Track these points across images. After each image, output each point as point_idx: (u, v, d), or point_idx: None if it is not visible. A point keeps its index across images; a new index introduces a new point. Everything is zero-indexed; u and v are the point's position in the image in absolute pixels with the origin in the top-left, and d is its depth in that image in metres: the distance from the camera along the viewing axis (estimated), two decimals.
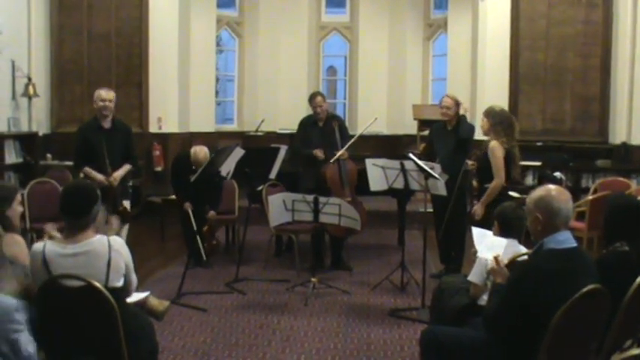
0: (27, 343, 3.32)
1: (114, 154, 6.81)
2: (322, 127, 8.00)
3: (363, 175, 7.24)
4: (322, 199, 6.62)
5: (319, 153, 7.88)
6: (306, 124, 8.12)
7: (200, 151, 7.67)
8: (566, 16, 10.94)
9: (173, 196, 9.30)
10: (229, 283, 7.13)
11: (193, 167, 7.52)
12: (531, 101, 11.02)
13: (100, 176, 6.70)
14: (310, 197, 6.65)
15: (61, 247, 3.67)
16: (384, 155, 7.46)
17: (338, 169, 7.71)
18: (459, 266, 7.26)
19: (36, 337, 3.46)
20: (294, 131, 12.30)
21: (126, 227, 6.96)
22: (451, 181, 6.80)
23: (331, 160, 7.65)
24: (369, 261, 8.23)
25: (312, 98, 8.15)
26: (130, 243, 6.34)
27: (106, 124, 6.79)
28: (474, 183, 6.77)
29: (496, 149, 6.39)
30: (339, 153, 7.62)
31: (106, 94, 6.86)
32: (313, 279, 6.88)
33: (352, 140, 7.84)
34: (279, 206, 6.73)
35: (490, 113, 6.56)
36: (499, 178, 6.39)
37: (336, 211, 6.63)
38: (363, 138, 8.32)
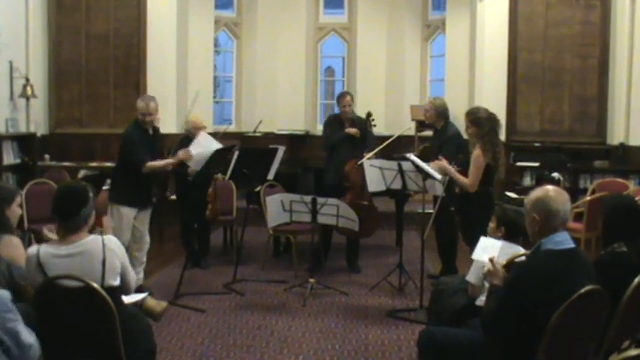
0: (27, 333, 3.33)
1: (156, 158, 6.81)
2: (349, 128, 7.94)
3: None
4: (320, 200, 6.62)
5: (352, 130, 7.84)
6: (333, 122, 8.10)
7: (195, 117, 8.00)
8: (564, 17, 10.93)
9: (172, 197, 9.33)
10: (227, 284, 7.13)
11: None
12: (529, 102, 11.01)
13: (165, 161, 6.81)
14: (308, 198, 6.66)
15: (56, 249, 3.67)
16: (382, 156, 7.48)
17: (362, 172, 7.68)
18: (453, 268, 7.27)
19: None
20: (293, 132, 12.46)
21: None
22: None
23: (358, 163, 7.62)
24: (367, 262, 8.22)
25: (342, 97, 8.03)
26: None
27: (149, 130, 6.80)
28: (456, 189, 6.67)
29: (479, 159, 6.26)
30: (367, 156, 7.59)
31: (153, 107, 6.71)
32: (311, 280, 6.88)
33: (383, 145, 7.82)
34: (277, 207, 6.73)
35: (477, 121, 6.35)
36: (471, 185, 6.29)
37: (334, 212, 6.63)
38: None
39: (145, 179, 6.72)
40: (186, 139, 7.75)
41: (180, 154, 6.77)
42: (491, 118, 6.39)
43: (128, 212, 6.58)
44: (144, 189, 6.78)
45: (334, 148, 7.94)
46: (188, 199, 7.76)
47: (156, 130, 6.91)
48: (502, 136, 6.66)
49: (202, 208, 7.75)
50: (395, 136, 8.12)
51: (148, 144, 6.71)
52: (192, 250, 7.80)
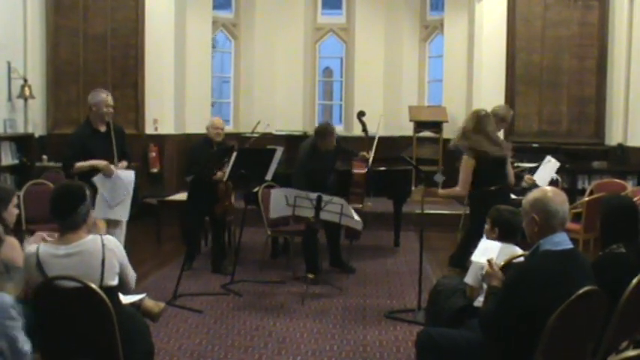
0: (24, 341, 3.33)
1: (113, 157, 6.63)
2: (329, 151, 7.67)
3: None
4: (326, 198, 6.60)
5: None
6: (311, 154, 7.53)
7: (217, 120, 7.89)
8: (562, 18, 10.96)
9: (169, 198, 9.31)
10: (225, 285, 7.12)
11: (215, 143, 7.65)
12: (527, 103, 11.03)
13: (101, 162, 6.52)
14: (313, 195, 6.62)
15: (55, 249, 3.66)
16: (385, 158, 7.54)
17: (367, 174, 7.69)
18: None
19: (32, 338, 3.46)
20: (291, 132, 12.46)
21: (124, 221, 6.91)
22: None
23: (369, 165, 7.72)
24: (365, 262, 8.21)
25: (327, 136, 7.47)
26: (126, 244, 6.41)
27: (102, 127, 6.69)
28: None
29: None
30: (371, 156, 7.63)
31: (111, 100, 6.66)
32: (310, 275, 6.88)
33: (375, 143, 7.95)
34: (281, 200, 6.71)
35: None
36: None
37: (337, 209, 6.60)
38: (360, 140, 8.35)
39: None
40: (206, 141, 7.77)
41: (103, 165, 6.54)
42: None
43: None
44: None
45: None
46: (196, 200, 7.66)
47: (113, 126, 6.71)
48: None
49: (210, 210, 7.67)
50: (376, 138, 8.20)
51: (99, 145, 6.53)
52: (193, 252, 7.74)
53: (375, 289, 7.15)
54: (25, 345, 3.34)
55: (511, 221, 4.49)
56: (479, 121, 6.24)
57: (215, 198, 7.63)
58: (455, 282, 4.80)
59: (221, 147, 7.64)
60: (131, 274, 3.97)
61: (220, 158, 7.04)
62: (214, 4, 12.88)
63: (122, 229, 6.74)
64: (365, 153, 7.86)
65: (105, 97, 6.60)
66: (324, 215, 6.68)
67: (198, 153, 7.82)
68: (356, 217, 6.72)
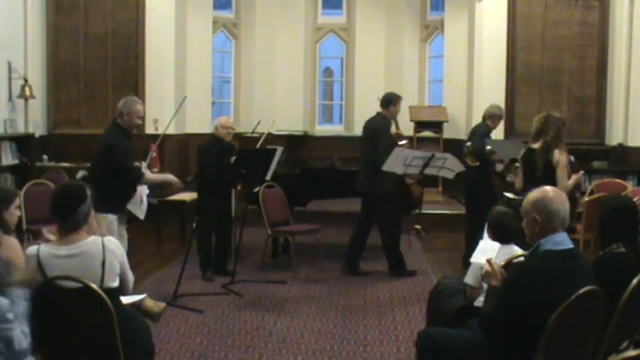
0: (20, 338, 3.34)
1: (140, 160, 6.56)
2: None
3: None
4: (438, 155, 7.43)
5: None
6: (388, 128, 7.75)
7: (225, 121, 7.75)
8: (562, 18, 10.95)
9: (170, 198, 9.28)
10: (225, 285, 7.12)
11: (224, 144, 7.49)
12: (528, 103, 11.01)
13: (173, 178, 6.62)
14: (428, 154, 7.39)
15: (56, 249, 3.67)
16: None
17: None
18: None
19: (32, 337, 3.47)
20: (292, 132, 12.46)
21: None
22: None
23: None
24: (365, 263, 8.18)
25: (399, 98, 7.85)
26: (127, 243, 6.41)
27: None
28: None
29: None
30: (401, 130, 8.15)
31: (142, 110, 6.53)
32: (417, 226, 7.26)
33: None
34: (400, 160, 7.13)
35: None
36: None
37: (440, 164, 7.41)
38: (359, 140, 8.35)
39: (127, 184, 6.31)
40: (214, 140, 7.60)
41: (175, 181, 6.60)
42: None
43: (114, 220, 6.17)
44: (125, 194, 6.33)
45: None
46: (209, 204, 7.53)
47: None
48: (501, 137, 6.83)
49: (223, 213, 7.66)
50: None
51: (130, 149, 6.40)
52: (208, 258, 7.57)
53: (375, 289, 7.15)
54: (22, 342, 3.35)
55: (502, 221, 4.51)
56: (543, 126, 6.43)
57: (225, 205, 7.61)
58: (455, 282, 4.81)
59: (222, 147, 7.55)
60: (130, 276, 3.97)
61: (223, 158, 7.02)
62: (214, 4, 12.88)
63: (125, 236, 6.61)
64: (396, 131, 8.01)
65: (139, 108, 6.41)
66: (427, 170, 7.43)
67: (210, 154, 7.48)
68: (458, 168, 7.47)
